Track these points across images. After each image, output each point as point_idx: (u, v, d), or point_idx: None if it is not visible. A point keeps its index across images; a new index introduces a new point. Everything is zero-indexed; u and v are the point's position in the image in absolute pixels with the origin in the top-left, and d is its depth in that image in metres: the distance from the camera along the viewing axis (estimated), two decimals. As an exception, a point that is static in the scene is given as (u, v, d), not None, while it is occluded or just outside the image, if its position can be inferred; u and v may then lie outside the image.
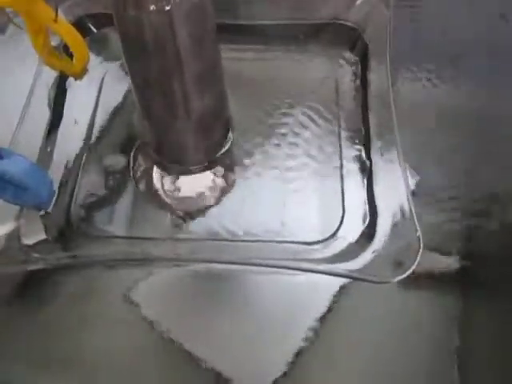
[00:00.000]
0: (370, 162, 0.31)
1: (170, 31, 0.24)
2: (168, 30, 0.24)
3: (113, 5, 0.24)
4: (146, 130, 0.31)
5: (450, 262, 0.29)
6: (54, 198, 0.30)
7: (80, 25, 0.35)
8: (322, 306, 0.28)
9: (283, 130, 0.34)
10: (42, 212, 0.29)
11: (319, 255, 0.29)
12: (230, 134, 0.33)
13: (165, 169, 0.33)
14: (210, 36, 0.26)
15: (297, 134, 0.34)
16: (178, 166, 0.32)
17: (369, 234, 0.28)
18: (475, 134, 0.33)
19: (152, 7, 0.23)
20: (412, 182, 0.31)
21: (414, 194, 0.30)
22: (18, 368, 0.27)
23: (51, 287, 0.29)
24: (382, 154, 0.30)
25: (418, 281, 0.28)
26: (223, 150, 0.32)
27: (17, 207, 0.28)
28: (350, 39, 0.35)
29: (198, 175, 0.33)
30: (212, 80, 0.28)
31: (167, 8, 0.23)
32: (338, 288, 0.28)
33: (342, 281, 0.28)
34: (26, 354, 0.28)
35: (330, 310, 0.28)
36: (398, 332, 0.28)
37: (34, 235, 0.29)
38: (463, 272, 0.29)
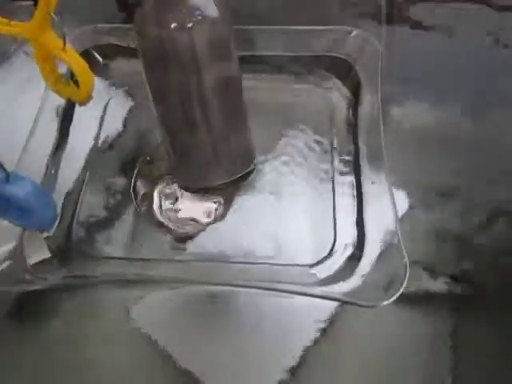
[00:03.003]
0: (361, 187, 0.32)
1: (191, 47, 0.24)
2: (189, 46, 0.24)
3: (135, 23, 0.25)
4: (168, 151, 0.31)
5: (442, 282, 0.30)
6: (57, 220, 0.31)
7: (87, 55, 0.36)
8: (315, 326, 0.29)
9: (282, 156, 0.35)
10: (44, 233, 0.30)
11: (311, 278, 0.29)
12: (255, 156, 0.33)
13: (188, 189, 0.33)
14: (229, 49, 0.26)
15: (292, 159, 0.35)
16: (201, 184, 0.32)
17: (358, 258, 0.29)
18: (464, 157, 0.34)
19: (173, 25, 0.23)
20: (403, 205, 0.32)
21: (405, 215, 0.32)
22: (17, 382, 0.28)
23: (50, 304, 0.30)
24: (372, 182, 0.31)
25: (409, 301, 0.29)
26: (248, 169, 0.32)
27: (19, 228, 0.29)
28: (344, 71, 0.36)
29: (196, 198, 0.34)
30: (231, 93, 0.28)
31: (189, 25, 0.23)
32: (330, 308, 0.29)
33: (334, 302, 0.29)
34: (25, 368, 0.28)
35: (323, 329, 0.28)
36: (390, 352, 0.28)
37: (38, 254, 0.29)
38: (455, 292, 0.29)
